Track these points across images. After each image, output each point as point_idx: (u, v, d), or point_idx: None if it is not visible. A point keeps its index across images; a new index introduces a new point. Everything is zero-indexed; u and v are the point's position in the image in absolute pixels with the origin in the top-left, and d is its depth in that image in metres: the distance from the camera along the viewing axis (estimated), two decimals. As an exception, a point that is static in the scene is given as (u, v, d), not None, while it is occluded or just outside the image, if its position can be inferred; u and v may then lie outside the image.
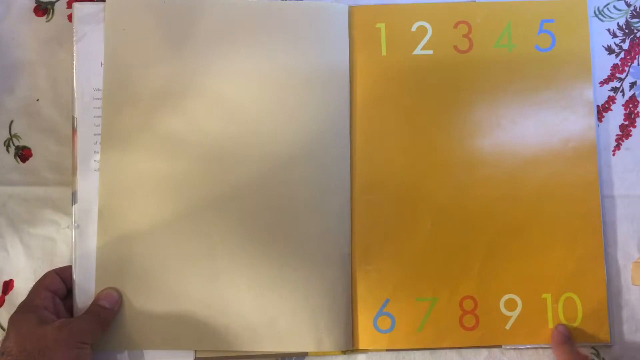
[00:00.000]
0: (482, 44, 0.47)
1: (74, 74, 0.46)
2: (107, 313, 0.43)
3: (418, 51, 0.47)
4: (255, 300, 0.44)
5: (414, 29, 0.47)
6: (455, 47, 0.47)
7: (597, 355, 0.46)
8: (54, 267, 0.46)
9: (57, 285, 0.44)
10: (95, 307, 0.43)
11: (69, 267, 0.45)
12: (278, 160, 0.45)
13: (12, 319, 0.41)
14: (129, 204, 0.45)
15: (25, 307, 0.42)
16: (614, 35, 0.49)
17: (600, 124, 0.48)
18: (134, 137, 0.45)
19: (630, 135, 0.48)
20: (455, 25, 0.48)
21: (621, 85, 0.48)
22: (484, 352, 0.46)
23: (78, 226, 0.45)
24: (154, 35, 0.46)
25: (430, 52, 0.47)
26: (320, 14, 0.47)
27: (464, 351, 0.46)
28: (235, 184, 0.45)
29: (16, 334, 0.39)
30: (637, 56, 0.49)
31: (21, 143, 0.48)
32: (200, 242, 0.45)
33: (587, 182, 0.46)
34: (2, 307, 0.47)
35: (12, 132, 0.48)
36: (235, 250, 0.45)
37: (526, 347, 0.45)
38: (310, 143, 0.46)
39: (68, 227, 0.47)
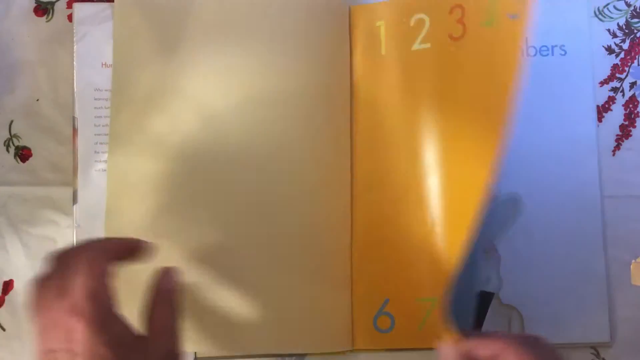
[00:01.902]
0: (474, 25, 0.45)
1: (74, 74, 0.46)
2: (180, 296, 0.36)
3: (417, 46, 0.46)
4: (255, 300, 0.44)
5: (412, 22, 0.46)
6: (450, 35, 0.45)
7: (597, 355, 0.46)
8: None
9: (115, 268, 0.34)
10: (164, 295, 0.36)
11: (123, 241, 0.36)
12: (279, 160, 0.45)
13: (100, 336, 0.30)
14: (135, 204, 0.45)
15: (105, 316, 0.31)
16: (614, 35, 0.49)
17: (600, 124, 0.48)
18: (142, 137, 0.45)
19: (630, 135, 0.48)
20: (451, 11, 0.45)
21: (621, 85, 0.48)
22: (484, 352, 0.46)
23: (79, 226, 0.45)
24: (163, 33, 0.46)
25: (428, 45, 0.46)
26: (321, 14, 0.47)
27: (464, 351, 0.46)
28: (235, 184, 0.45)
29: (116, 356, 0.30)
30: (637, 56, 0.49)
31: (21, 143, 0.48)
32: (201, 243, 0.45)
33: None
34: (2, 307, 0.47)
35: (12, 132, 0.48)
36: (236, 250, 0.45)
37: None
38: (311, 143, 0.46)
39: (68, 227, 0.47)
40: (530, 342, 0.34)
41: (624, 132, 0.48)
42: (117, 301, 0.32)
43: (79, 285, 0.30)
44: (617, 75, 0.49)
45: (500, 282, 0.46)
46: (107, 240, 0.36)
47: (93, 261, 0.32)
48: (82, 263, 0.31)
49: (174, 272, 0.37)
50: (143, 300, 0.35)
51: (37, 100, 0.48)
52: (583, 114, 0.47)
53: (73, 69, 0.46)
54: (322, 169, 0.46)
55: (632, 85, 0.48)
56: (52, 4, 0.49)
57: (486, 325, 0.45)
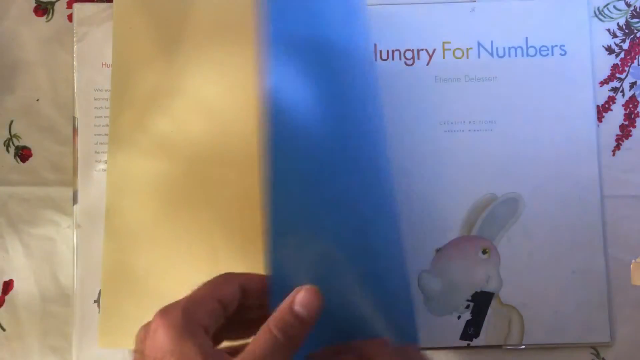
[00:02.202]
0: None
1: (74, 75, 0.46)
2: (302, 332, 0.29)
3: None
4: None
5: None
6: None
7: (597, 355, 0.46)
8: (54, 267, 0.46)
9: (233, 301, 0.31)
10: (284, 326, 0.29)
11: (257, 278, 0.32)
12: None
13: (176, 347, 0.27)
14: (135, 204, 0.45)
15: (189, 326, 0.28)
16: (614, 35, 0.49)
17: (600, 124, 0.48)
18: (142, 137, 0.45)
19: (630, 135, 0.48)
20: None
21: (621, 85, 0.48)
22: (486, 352, 0.46)
23: (79, 226, 0.45)
24: (162, 33, 0.46)
25: None
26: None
27: (465, 351, 0.46)
28: (236, 183, 0.45)
29: None
30: (637, 56, 0.49)
31: (21, 143, 0.48)
32: (202, 244, 0.45)
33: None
34: (2, 307, 0.47)
35: (12, 132, 0.48)
36: (239, 249, 0.45)
37: (517, 344, 0.45)
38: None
39: (68, 227, 0.47)
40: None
41: (624, 132, 0.48)
42: (214, 321, 0.30)
43: (184, 297, 0.30)
44: (617, 75, 0.48)
45: (500, 282, 0.46)
46: (245, 274, 0.32)
47: (213, 282, 0.31)
48: (207, 282, 0.31)
49: (311, 295, 0.30)
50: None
51: (37, 100, 0.48)
52: (583, 114, 0.47)
53: (73, 69, 0.46)
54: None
55: (632, 85, 0.48)
56: (52, 4, 0.49)
57: (486, 326, 0.45)
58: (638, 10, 0.49)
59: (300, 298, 0.29)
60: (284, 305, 0.29)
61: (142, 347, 0.29)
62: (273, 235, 0.32)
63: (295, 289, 0.30)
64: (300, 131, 0.33)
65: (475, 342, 0.45)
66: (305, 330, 0.29)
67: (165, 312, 0.29)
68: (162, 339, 0.28)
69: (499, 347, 0.46)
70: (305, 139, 0.34)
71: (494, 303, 0.46)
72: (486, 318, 0.46)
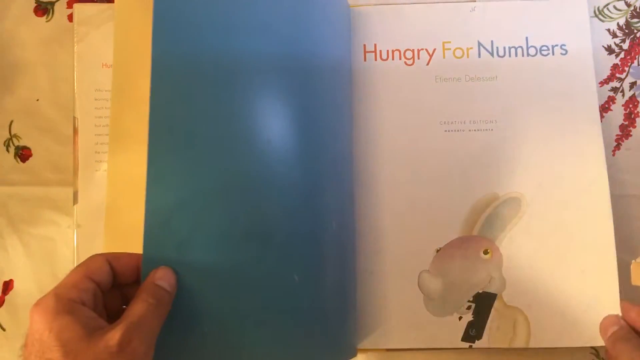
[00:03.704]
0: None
1: (74, 75, 0.46)
2: (168, 299, 0.34)
3: None
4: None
5: None
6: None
7: (597, 355, 0.46)
8: (54, 267, 0.46)
9: (105, 276, 0.34)
10: (154, 293, 0.33)
11: (126, 256, 0.35)
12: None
13: (53, 324, 0.29)
14: (135, 204, 0.44)
15: (63, 305, 0.30)
16: (614, 35, 0.49)
17: (600, 124, 0.48)
18: (142, 137, 0.45)
19: (630, 135, 0.48)
20: None
21: (621, 85, 0.48)
22: (486, 353, 0.46)
23: (79, 226, 0.45)
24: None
25: None
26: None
27: (464, 352, 0.46)
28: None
29: (64, 351, 0.29)
30: (637, 56, 0.49)
31: (21, 143, 0.48)
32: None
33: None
34: (2, 307, 0.47)
35: (12, 132, 0.48)
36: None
37: (523, 347, 0.45)
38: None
39: (68, 227, 0.47)
40: None
41: (624, 132, 0.48)
42: (91, 295, 0.32)
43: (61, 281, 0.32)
44: (617, 75, 0.49)
45: (503, 283, 0.46)
46: (113, 253, 0.36)
47: (82, 264, 0.33)
48: (77, 265, 0.34)
49: (167, 273, 0.35)
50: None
51: (37, 100, 0.48)
52: (584, 114, 0.47)
53: (73, 69, 0.46)
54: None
55: (632, 85, 0.48)
56: (52, 4, 0.49)
57: (490, 327, 0.45)
58: (638, 10, 0.49)
59: (159, 274, 0.34)
60: (147, 281, 0.34)
61: (27, 335, 0.30)
62: (147, 219, 0.36)
63: (153, 270, 0.34)
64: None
65: (477, 344, 0.45)
66: (170, 297, 0.34)
67: (37, 302, 0.31)
68: (37, 324, 0.30)
69: (500, 348, 0.45)
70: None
71: (497, 304, 0.45)
72: (490, 320, 0.45)
